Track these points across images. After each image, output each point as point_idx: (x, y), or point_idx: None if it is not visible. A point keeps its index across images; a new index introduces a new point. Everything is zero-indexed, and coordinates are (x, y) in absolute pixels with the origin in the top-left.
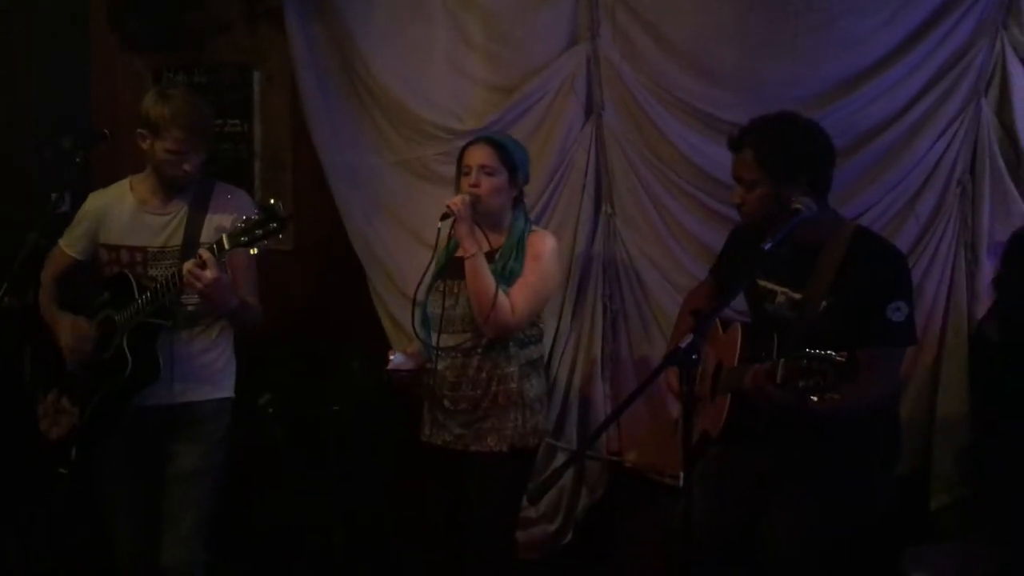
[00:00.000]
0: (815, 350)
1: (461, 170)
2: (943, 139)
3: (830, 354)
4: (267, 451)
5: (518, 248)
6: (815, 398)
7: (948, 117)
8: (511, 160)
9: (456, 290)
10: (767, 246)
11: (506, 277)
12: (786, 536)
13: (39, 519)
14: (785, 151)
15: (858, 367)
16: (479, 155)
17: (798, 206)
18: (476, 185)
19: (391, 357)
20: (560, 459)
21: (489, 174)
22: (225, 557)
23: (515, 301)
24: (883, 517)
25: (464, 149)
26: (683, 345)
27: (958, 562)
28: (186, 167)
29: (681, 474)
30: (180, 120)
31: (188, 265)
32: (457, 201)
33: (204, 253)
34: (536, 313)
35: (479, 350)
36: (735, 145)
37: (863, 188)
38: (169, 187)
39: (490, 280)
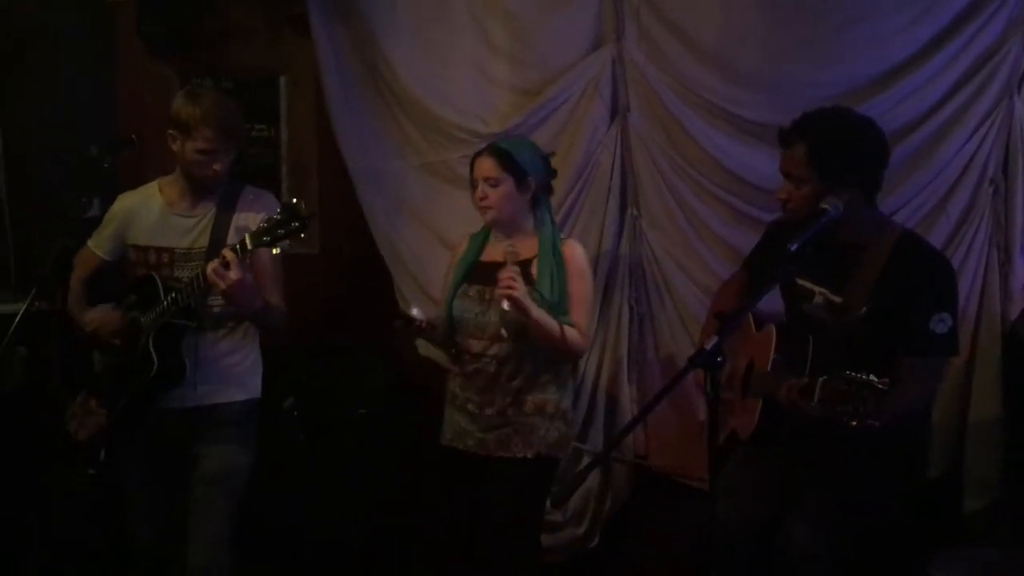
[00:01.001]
0: (856, 373)
1: (473, 181)
2: (975, 138)
3: (872, 380)
4: (290, 454)
5: (556, 261)
6: (854, 423)
7: (979, 116)
8: (515, 165)
9: (488, 296)
10: (793, 247)
11: (557, 294)
12: (801, 538)
13: (63, 521)
14: (839, 150)
15: (895, 385)
16: (482, 167)
17: (825, 207)
18: (484, 198)
19: (412, 310)
20: (586, 463)
21: (494, 185)
22: (248, 560)
23: (581, 325)
24: (912, 520)
25: (473, 160)
26: (707, 347)
27: (986, 566)
28: (216, 167)
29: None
30: (211, 120)
31: (212, 265)
32: (507, 281)
33: (227, 253)
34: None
35: (514, 359)
36: (786, 139)
37: (893, 188)
38: (198, 189)
39: (554, 327)
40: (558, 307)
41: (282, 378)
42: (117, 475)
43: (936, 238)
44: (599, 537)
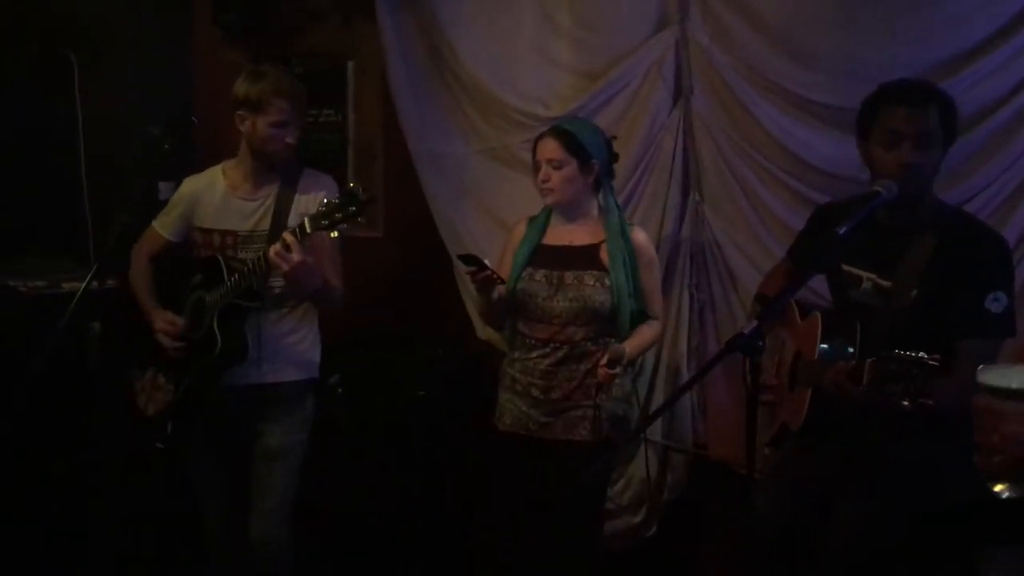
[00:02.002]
0: (904, 352)
1: (535, 164)
2: None
3: (922, 356)
4: (337, 433)
5: (627, 248)
6: (906, 403)
7: None
8: (579, 147)
9: (556, 281)
10: (841, 230)
11: (631, 281)
12: (848, 528)
13: (134, 495)
14: (954, 116)
15: (950, 369)
16: (545, 149)
17: (878, 188)
18: (546, 180)
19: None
20: (644, 451)
21: (557, 167)
22: (305, 537)
23: (659, 315)
24: (971, 513)
25: (536, 142)
26: (745, 331)
27: None
28: (289, 140)
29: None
30: (281, 91)
31: (274, 248)
32: (608, 380)
33: (288, 236)
34: None
35: (588, 344)
36: (922, 98)
37: (968, 175)
38: (261, 172)
39: (648, 339)
40: (633, 295)
41: (340, 359)
42: (184, 450)
43: (1015, 227)
44: (657, 526)
